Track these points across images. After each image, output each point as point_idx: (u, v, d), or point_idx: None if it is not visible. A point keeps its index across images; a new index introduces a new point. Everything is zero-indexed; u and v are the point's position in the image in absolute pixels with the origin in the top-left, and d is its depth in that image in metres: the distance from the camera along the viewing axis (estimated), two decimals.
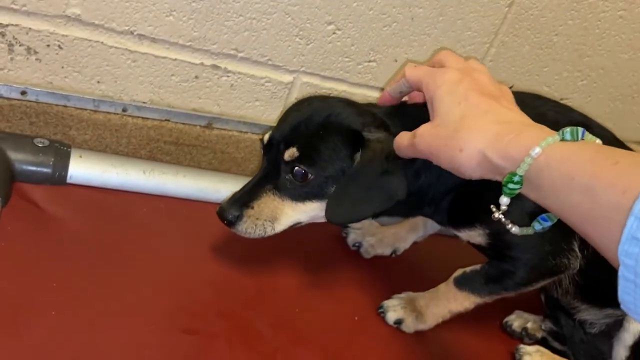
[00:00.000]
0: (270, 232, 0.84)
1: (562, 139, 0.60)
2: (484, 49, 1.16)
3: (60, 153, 0.90)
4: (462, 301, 0.92)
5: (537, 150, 0.60)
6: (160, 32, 0.94)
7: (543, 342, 1.03)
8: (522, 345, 0.99)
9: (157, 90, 1.01)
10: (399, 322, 0.93)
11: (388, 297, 0.96)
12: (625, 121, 1.44)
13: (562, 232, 0.84)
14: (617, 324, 0.93)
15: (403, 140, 0.77)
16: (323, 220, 0.86)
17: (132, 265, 0.83)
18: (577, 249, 0.86)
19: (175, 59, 0.98)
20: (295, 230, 1.05)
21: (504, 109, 0.70)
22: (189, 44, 0.97)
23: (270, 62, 1.04)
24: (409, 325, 0.92)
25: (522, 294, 0.97)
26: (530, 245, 0.86)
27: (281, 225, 0.85)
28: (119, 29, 0.92)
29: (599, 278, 0.89)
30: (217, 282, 0.87)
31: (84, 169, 0.92)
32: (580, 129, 0.60)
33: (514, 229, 0.69)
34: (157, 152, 1.07)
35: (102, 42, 0.92)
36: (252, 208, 0.83)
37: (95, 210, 0.91)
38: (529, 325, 1.05)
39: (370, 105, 0.89)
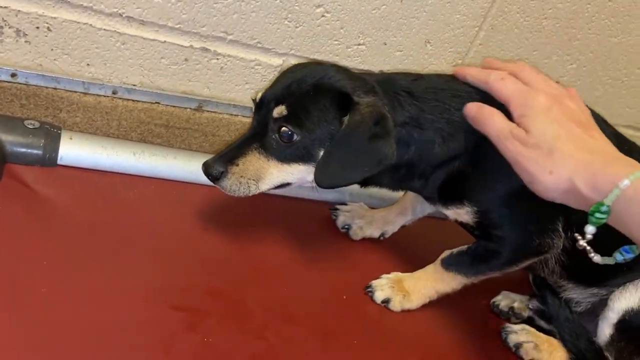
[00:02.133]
0: (254, 190, 0.85)
1: None
2: (473, 32, 1.17)
3: (51, 135, 0.91)
4: (449, 281, 0.94)
5: (626, 182, 0.62)
6: (148, 14, 0.95)
7: (529, 321, 1.04)
8: (509, 325, 1.01)
9: (147, 73, 1.01)
10: (386, 301, 0.94)
11: (376, 277, 0.97)
12: (614, 105, 1.45)
13: (546, 212, 0.86)
14: (602, 303, 0.95)
15: (493, 119, 0.77)
16: (311, 184, 0.86)
17: (123, 245, 0.84)
18: (560, 229, 0.87)
19: (165, 42, 0.99)
20: (286, 211, 1.07)
21: (593, 140, 0.72)
22: (178, 26, 0.97)
23: (259, 45, 1.04)
24: (396, 305, 0.94)
25: (509, 275, 0.98)
26: (515, 225, 0.87)
27: (265, 185, 0.86)
28: (107, 11, 0.92)
29: (585, 258, 0.91)
30: (207, 261, 0.88)
31: (74, 151, 0.93)
32: None
33: (596, 257, 0.72)
34: (148, 135, 1.08)
35: (90, 25, 0.93)
36: (237, 165, 0.84)
37: (86, 191, 0.91)
38: (516, 304, 1.06)
39: (363, 73, 0.90)
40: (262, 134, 0.84)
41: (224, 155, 0.85)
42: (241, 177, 0.84)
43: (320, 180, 0.83)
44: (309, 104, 0.82)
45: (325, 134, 0.82)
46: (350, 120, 0.81)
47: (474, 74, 0.84)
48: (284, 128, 0.82)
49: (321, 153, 0.83)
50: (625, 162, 0.68)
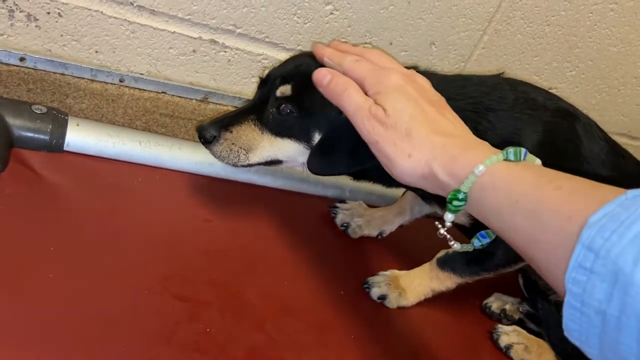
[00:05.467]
0: (244, 160, 0.86)
1: (506, 159, 0.61)
2: (477, 35, 1.18)
3: (58, 121, 0.91)
4: (444, 280, 0.96)
5: (481, 168, 0.60)
6: (159, 4, 0.95)
7: (520, 323, 1.07)
8: (500, 326, 1.03)
9: (155, 63, 1.02)
10: (382, 297, 0.96)
11: (373, 274, 1.00)
12: (610, 113, 1.48)
13: None
14: None
15: (349, 92, 0.74)
16: (300, 165, 0.88)
17: (127, 232, 0.85)
18: None
19: (174, 32, 0.99)
20: (287, 206, 1.09)
21: (447, 121, 0.70)
22: (188, 17, 0.98)
23: (267, 40, 1.05)
24: (392, 301, 0.96)
25: (501, 278, 1.01)
26: None
27: (256, 157, 0.87)
28: (119, 0, 0.93)
29: None
30: (209, 252, 0.90)
31: (80, 137, 0.93)
32: (523, 150, 0.61)
33: (455, 245, 0.71)
34: (153, 124, 1.08)
35: (101, 12, 0.93)
36: (231, 132, 0.85)
37: (91, 177, 0.92)
38: (507, 307, 1.09)
39: None
40: (261, 108, 0.86)
41: (220, 122, 0.86)
42: (233, 144, 0.85)
43: (313, 166, 0.84)
44: (314, 86, 0.82)
45: (324, 118, 0.82)
46: None
47: (330, 56, 0.81)
48: (284, 105, 0.83)
49: (316, 136, 0.84)
50: (481, 146, 0.65)
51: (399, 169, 0.68)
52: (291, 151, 0.86)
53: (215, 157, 0.86)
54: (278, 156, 0.87)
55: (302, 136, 0.84)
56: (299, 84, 0.83)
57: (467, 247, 0.71)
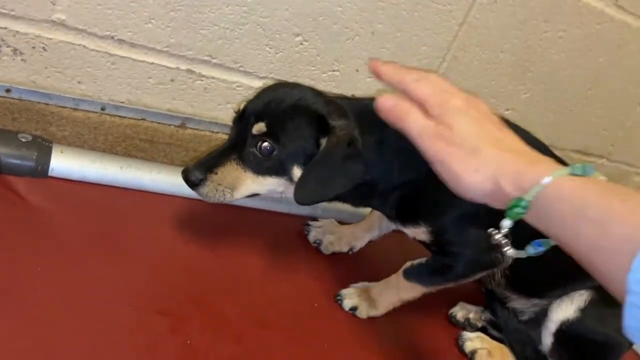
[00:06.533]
0: (228, 198, 0.90)
1: (572, 173, 0.64)
2: (437, 62, 1.27)
3: (43, 148, 0.96)
4: (410, 290, 1.02)
5: (548, 179, 0.63)
6: (139, 37, 1.01)
7: (483, 331, 1.13)
8: (464, 332, 1.09)
9: (134, 91, 1.07)
10: (354, 308, 1.02)
11: (345, 287, 1.05)
12: (564, 131, 1.58)
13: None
14: (543, 313, 1.04)
15: (413, 116, 0.74)
16: (278, 194, 0.93)
17: (111, 252, 0.90)
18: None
19: (153, 63, 1.05)
20: (262, 225, 1.14)
21: (509, 139, 0.73)
22: (166, 49, 1.04)
23: (241, 69, 1.12)
24: (363, 312, 1.02)
25: (465, 288, 1.08)
26: (468, 243, 0.96)
27: (239, 194, 0.91)
28: (100, 34, 0.98)
29: (526, 271, 1.01)
30: (189, 270, 0.95)
31: (64, 164, 0.98)
32: (590, 166, 0.65)
33: (510, 251, 0.72)
34: (133, 149, 1.13)
35: (84, 46, 0.99)
36: (216, 174, 0.88)
37: (76, 201, 0.97)
38: (471, 315, 1.15)
39: (336, 97, 0.97)
40: (240, 146, 0.90)
41: (204, 164, 0.89)
42: (218, 185, 0.88)
43: (300, 198, 0.88)
44: (287, 122, 0.88)
45: (300, 151, 0.88)
46: (328, 142, 0.87)
47: (389, 73, 0.80)
48: (264, 144, 0.87)
49: (294, 168, 0.89)
50: (547, 162, 0.68)
51: (465, 185, 0.70)
52: (272, 186, 0.92)
53: (202, 197, 0.90)
54: (259, 190, 0.93)
55: (282, 172, 0.90)
56: (272, 120, 0.88)
57: (521, 254, 0.72)
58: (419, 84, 0.76)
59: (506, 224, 0.68)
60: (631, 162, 1.82)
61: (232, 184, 0.90)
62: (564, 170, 0.63)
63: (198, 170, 0.88)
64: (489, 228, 0.76)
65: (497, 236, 0.70)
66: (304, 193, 0.88)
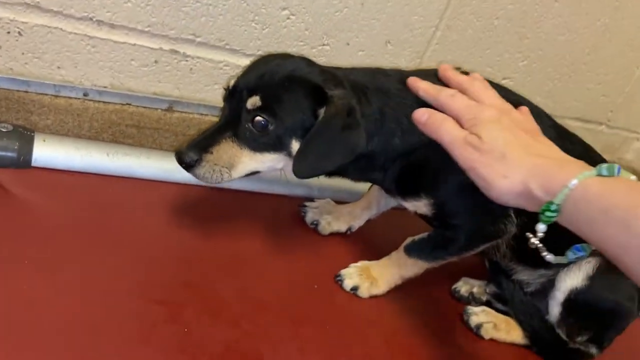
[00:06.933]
0: (227, 178, 0.86)
1: (599, 174, 0.66)
2: (430, 32, 1.23)
3: (24, 137, 0.93)
4: (412, 267, 1.00)
5: (574, 182, 0.65)
6: (118, 18, 0.97)
7: (488, 304, 1.11)
8: (469, 307, 1.07)
9: (117, 75, 1.04)
10: (355, 288, 0.99)
11: (345, 267, 1.03)
12: (563, 98, 1.54)
13: None
14: (550, 283, 1.02)
15: (446, 126, 0.80)
16: (279, 171, 0.90)
17: (102, 242, 0.87)
18: (512, 215, 0.94)
19: (134, 44, 1.01)
20: (257, 207, 1.11)
21: (542, 145, 0.76)
22: (147, 29, 1.00)
23: (227, 47, 1.08)
24: (364, 291, 0.99)
25: (468, 263, 1.06)
26: (470, 214, 0.93)
27: (237, 173, 0.87)
28: (77, 15, 0.94)
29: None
30: (183, 255, 0.92)
31: (48, 153, 0.95)
32: (616, 166, 0.66)
33: (549, 256, 0.75)
34: (119, 136, 1.10)
35: (61, 29, 0.95)
36: (211, 153, 0.84)
37: (62, 191, 0.94)
38: (475, 289, 1.13)
39: (330, 67, 0.93)
40: (235, 123, 0.86)
41: (198, 144, 0.85)
42: (215, 165, 0.85)
43: (299, 171, 0.85)
44: (283, 95, 0.84)
45: (298, 123, 0.85)
46: (326, 113, 0.83)
47: (425, 89, 0.87)
48: (258, 118, 0.83)
49: (292, 142, 0.86)
50: (575, 164, 0.71)
51: (497, 190, 0.73)
52: (271, 162, 0.88)
53: (198, 179, 0.86)
54: (258, 168, 0.89)
55: (280, 147, 0.86)
56: (266, 93, 0.84)
57: (562, 259, 0.74)
58: (452, 98, 0.83)
59: (541, 227, 0.71)
60: (631, 127, 1.79)
61: (229, 163, 0.86)
62: (589, 172, 0.66)
63: (192, 151, 0.84)
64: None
65: (534, 240, 0.73)
66: (304, 166, 0.85)
